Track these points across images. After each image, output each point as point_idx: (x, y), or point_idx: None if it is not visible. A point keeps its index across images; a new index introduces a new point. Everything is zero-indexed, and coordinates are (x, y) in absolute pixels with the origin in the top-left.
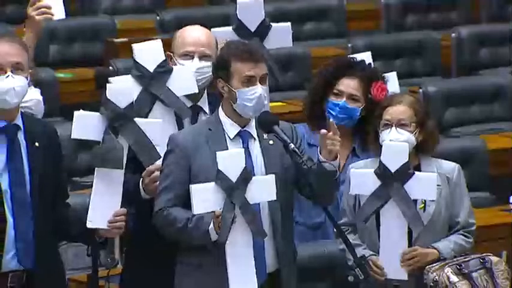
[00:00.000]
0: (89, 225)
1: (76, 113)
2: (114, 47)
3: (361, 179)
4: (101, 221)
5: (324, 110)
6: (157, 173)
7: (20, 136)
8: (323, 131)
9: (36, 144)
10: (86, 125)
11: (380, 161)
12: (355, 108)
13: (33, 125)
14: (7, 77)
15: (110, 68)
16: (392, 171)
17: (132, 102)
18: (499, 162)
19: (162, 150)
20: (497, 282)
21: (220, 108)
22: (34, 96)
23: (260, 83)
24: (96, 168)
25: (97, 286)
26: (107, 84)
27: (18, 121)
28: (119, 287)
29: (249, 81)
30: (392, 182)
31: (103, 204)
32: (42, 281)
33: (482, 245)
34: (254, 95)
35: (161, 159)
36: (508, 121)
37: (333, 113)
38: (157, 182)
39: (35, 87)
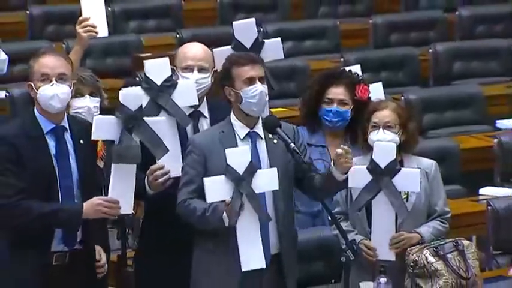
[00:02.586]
0: None
1: (95, 117)
2: (140, 61)
3: (356, 174)
4: (123, 207)
5: (318, 116)
6: (158, 172)
7: (67, 136)
8: (339, 150)
9: (81, 141)
10: (104, 127)
11: (371, 159)
12: (346, 111)
13: (77, 126)
14: (52, 85)
15: (137, 79)
16: (382, 167)
17: (142, 105)
18: (470, 159)
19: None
20: (469, 262)
21: (232, 113)
22: (86, 104)
23: (259, 81)
24: (112, 164)
25: (125, 265)
26: (119, 91)
27: (65, 123)
28: (134, 271)
29: (250, 81)
30: (382, 176)
31: (120, 194)
32: (83, 260)
33: (456, 231)
34: (256, 92)
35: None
36: (477, 124)
37: (328, 118)
38: (159, 180)
39: (91, 96)
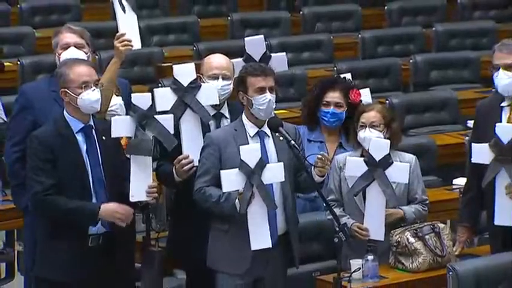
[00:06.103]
0: (131, 199)
1: (112, 118)
2: (162, 70)
3: (354, 164)
4: (139, 194)
5: (317, 117)
6: (184, 161)
7: (93, 133)
8: (319, 156)
9: (104, 138)
10: (121, 125)
11: (368, 152)
12: (341, 112)
13: (100, 124)
14: (93, 90)
15: (159, 85)
16: (377, 160)
17: (152, 104)
18: (445, 154)
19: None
20: (444, 242)
21: (243, 114)
22: (117, 101)
23: (269, 91)
24: (131, 156)
25: (149, 245)
26: (131, 94)
27: (91, 122)
28: (166, 246)
29: (261, 90)
30: (376, 168)
31: (140, 183)
32: (115, 241)
33: (432, 216)
34: (265, 101)
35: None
36: (451, 124)
37: (326, 119)
38: (184, 168)
39: (117, 96)
